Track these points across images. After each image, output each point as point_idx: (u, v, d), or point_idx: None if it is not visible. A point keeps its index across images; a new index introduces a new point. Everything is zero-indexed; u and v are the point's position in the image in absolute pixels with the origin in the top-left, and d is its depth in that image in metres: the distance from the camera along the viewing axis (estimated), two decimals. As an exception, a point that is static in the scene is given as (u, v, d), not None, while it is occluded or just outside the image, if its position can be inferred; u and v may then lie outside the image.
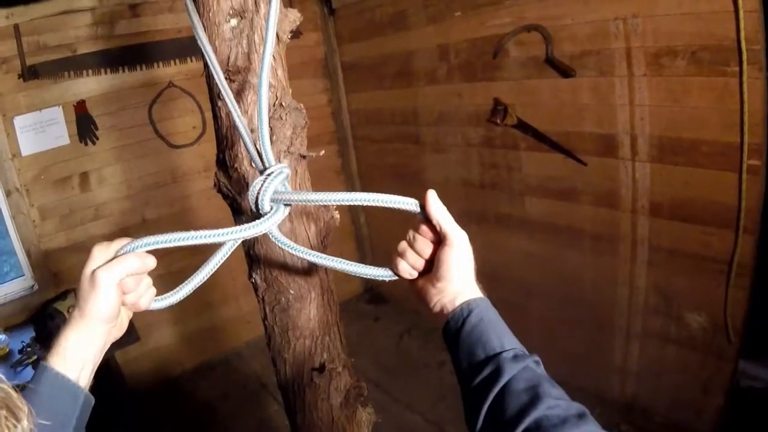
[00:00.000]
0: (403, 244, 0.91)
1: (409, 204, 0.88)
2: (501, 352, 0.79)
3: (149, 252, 0.85)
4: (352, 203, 0.89)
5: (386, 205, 0.87)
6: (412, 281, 0.92)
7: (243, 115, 1.03)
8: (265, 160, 0.93)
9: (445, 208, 0.87)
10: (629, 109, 2.51)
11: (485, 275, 3.15)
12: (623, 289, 2.79)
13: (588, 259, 2.91)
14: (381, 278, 0.92)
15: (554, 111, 2.83)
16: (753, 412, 2.57)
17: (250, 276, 1.25)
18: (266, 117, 0.93)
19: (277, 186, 0.91)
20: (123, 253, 0.82)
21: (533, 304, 3.31)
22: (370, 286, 4.81)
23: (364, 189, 4.57)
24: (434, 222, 0.86)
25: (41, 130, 3.15)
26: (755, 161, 2.14)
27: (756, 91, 2.07)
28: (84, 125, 3.28)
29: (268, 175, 0.90)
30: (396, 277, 0.91)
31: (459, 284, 0.86)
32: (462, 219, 3.09)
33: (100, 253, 0.82)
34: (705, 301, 2.46)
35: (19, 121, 3.08)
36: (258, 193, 0.90)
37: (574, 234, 2.94)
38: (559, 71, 2.70)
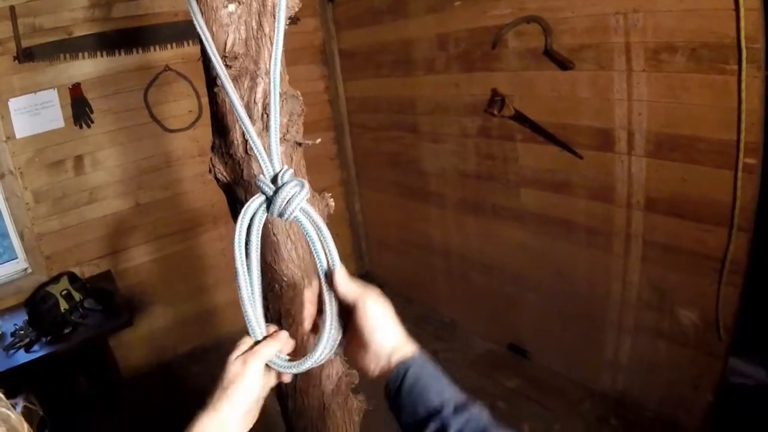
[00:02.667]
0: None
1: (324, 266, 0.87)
2: (442, 408, 0.77)
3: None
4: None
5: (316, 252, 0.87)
6: (350, 356, 0.91)
7: (240, 100, 1.02)
8: (274, 161, 0.90)
9: (348, 280, 0.86)
10: (627, 103, 2.50)
11: (481, 265, 3.17)
12: (616, 283, 2.79)
13: (582, 252, 2.92)
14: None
15: (552, 103, 2.82)
16: (742, 409, 2.58)
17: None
18: (277, 114, 0.91)
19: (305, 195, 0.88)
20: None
21: (527, 295, 3.32)
22: (365, 271, 4.81)
23: (359, 176, 4.59)
24: (341, 296, 0.86)
25: (36, 112, 3.13)
26: (751, 160, 2.14)
27: (754, 89, 2.07)
28: (79, 108, 3.26)
29: (301, 184, 0.87)
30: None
31: (388, 343, 0.84)
32: (458, 209, 3.11)
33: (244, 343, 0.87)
34: (697, 297, 2.47)
35: (13, 104, 3.06)
36: (289, 200, 0.86)
37: (569, 227, 2.94)
38: (558, 64, 2.70)
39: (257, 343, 0.88)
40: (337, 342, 0.88)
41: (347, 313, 0.87)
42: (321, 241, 0.86)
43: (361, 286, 0.86)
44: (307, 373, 1.33)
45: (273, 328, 0.91)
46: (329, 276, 0.86)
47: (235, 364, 0.83)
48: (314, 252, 0.87)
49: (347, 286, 0.85)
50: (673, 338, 2.62)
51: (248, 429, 0.85)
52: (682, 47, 2.25)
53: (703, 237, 2.38)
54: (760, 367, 2.71)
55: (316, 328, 0.91)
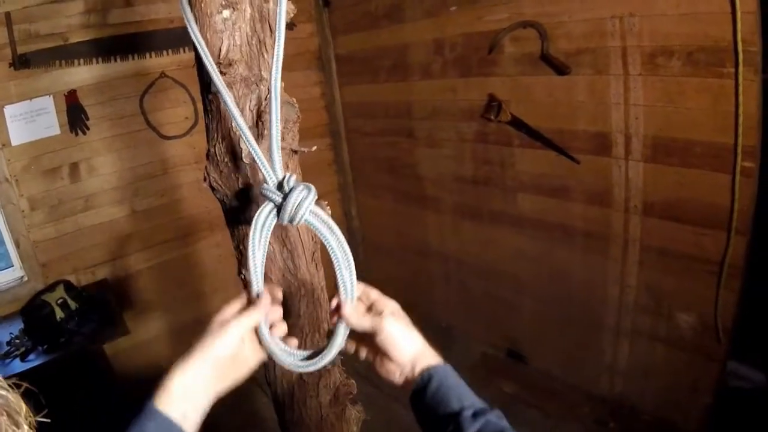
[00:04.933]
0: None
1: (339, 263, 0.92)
2: (460, 411, 0.81)
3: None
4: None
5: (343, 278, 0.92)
6: (376, 368, 0.96)
7: (238, 108, 1.01)
8: (276, 168, 0.91)
9: (357, 316, 0.92)
10: (624, 108, 2.50)
11: (478, 270, 3.16)
12: (614, 287, 2.79)
13: (579, 257, 2.92)
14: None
15: (549, 108, 2.82)
16: (740, 412, 2.58)
17: (240, 272, 1.24)
18: (278, 121, 0.92)
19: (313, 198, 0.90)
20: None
21: (524, 300, 3.32)
22: (362, 278, 4.73)
23: (356, 182, 4.58)
24: (354, 328, 0.92)
25: (31, 119, 3.11)
26: (749, 163, 2.15)
27: (751, 93, 2.07)
28: (75, 115, 3.24)
29: (308, 188, 0.89)
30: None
31: (411, 350, 0.90)
32: (455, 214, 3.10)
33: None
34: (695, 301, 2.47)
35: (9, 111, 3.04)
36: (299, 204, 0.88)
37: (566, 232, 2.94)
38: (555, 68, 2.70)
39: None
40: (343, 346, 0.93)
41: (368, 336, 0.92)
42: (335, 241, 0.90)
43: (373, 313, 0.93)
44: (305, 383, 1.32)
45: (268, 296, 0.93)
46: (339, 307, 0.92)
47: (214, 327, 0.88)
48: (330, 251, 0.90)
49: (358, 320, 0.91)
50: (671, 342, 2.62)
51: (234, 381, 0.89)
52: (679, 51, 2.25)
53: (701, 241, 2.38)
54: (758, 371, 2.70)
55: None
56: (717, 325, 2.40)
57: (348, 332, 0.93)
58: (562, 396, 3.09)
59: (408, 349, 0.90)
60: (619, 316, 2.81)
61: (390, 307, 0.94)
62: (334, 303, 0.93)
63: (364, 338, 0.94)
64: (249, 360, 0.91)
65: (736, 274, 2.30)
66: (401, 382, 0.91)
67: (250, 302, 0.91)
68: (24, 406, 0.61)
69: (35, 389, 0.69)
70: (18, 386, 0.63)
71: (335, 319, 0.93)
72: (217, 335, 0.85)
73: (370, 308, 0.95)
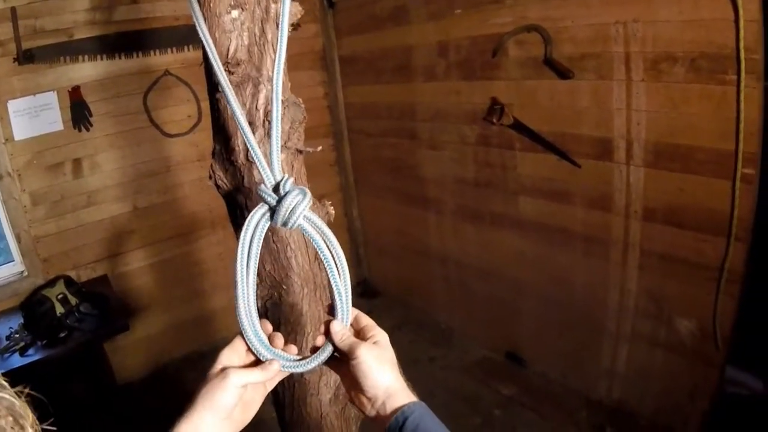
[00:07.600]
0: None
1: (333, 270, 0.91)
2: None
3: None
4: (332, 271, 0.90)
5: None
6: (348, 395, 0.94)
7: (241, 108, 1.02)
8: (275, 170, 0.90)
9: (344, 334, 0.91)
10: (626, 113, 2.51)
11: (479, 272, 3.16)
12: (614, 292, 2.79)
13: (580, 260, 2.92)
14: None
15: (551, 112, 2.82)
16: (737, 418, 2.58)
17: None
18: (279, 122, 0.91)
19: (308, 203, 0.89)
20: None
21: (525, 303, 3.32)
22: (363, 278, 4.80)
23: (358, 183, 4.59)
24: (336, 345, 0.90)
25: (35, 114, 3.12)
26: (749, 170, 2.15)
27: (753, 100, 2.07)
28: (78, 111, 3.26)
29: (303, 192, 0.88)
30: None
31: (383, 384, 0.86)
32: (456, 216, 3.11)
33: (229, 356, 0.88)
34: (695, 307, 2.47)
35: (12, 105, 3.05)
36: (293, 209, 0.86)
37: (567, 236, 2.94)
38: (558, 73, 2.70)
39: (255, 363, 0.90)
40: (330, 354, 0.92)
41: (340, 358, 0.91)
42: (328, 246, 0.88)
43: (360, 334, 0.92)
44: (306, 381, 1.33)
45: (274, 335, 0.93)
46: (326, 325, 0.91)
47: (214, 377, 0.83)
48: (323, 258, 0.89)
49: (342, 339, 0.89)
50: (670, 347, 2.62)
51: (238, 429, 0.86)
52: (682, 57, 2.26)
53: (701, 247, 2.38)
54: (756, 377, 2.71)
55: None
56: (715, 331, 2.40)
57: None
58: (560, 399, 3.09)
59: (380, 383, 0.85)
60: (619, 320, 2.81)
61: (377, 336, 0.91)
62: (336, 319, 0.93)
63: (342, 364, 0.91)
64: (255, 401, 0.89)
65: (736, 281, 2.30)
66: (373, 416, 0.87)
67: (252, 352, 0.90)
68: (30, 414, 0.61)
69: (41, 396, 0.69)
70: (21, 393, 0.62)
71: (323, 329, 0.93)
72: (219, 388, 0.82)
73: (358, 333, 0.93)
